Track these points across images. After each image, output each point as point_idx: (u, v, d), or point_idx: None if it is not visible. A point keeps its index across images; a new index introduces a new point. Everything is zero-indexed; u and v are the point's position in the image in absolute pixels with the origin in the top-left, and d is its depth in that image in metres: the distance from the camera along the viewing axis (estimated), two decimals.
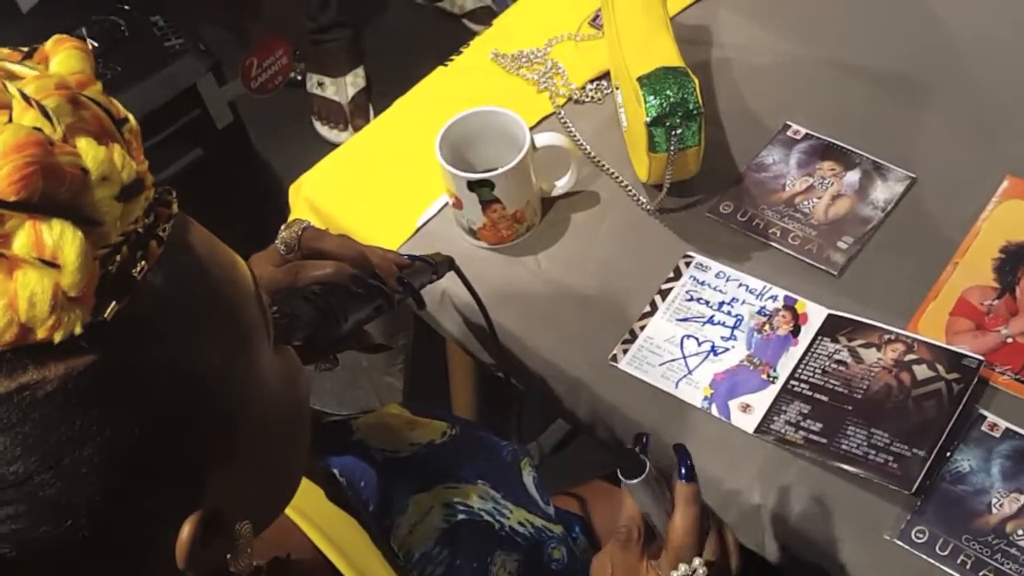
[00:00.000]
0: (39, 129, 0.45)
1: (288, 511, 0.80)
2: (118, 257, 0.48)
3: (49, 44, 0.51)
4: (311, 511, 0.81)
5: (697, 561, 0.78)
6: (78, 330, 0.46)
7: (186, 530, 0.53)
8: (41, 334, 0.45)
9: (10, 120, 0.46)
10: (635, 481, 0.77)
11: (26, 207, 0.44)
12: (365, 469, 0.88)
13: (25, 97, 0.46)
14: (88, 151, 0.47)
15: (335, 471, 0.87)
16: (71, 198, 0.45)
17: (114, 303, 0.47)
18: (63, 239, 0.44)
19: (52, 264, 0.44)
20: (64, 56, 0.51)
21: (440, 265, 0.99)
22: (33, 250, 0.44)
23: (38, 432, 0.46)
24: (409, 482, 0.89)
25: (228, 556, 0.57)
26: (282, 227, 0.90)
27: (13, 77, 0.48)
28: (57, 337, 0.45)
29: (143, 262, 0.49)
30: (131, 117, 0.52)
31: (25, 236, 0.44)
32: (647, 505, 0.79)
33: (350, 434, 0.92)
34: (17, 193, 0.43)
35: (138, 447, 0.49)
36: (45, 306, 0.44)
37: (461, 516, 0.87)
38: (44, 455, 0.46)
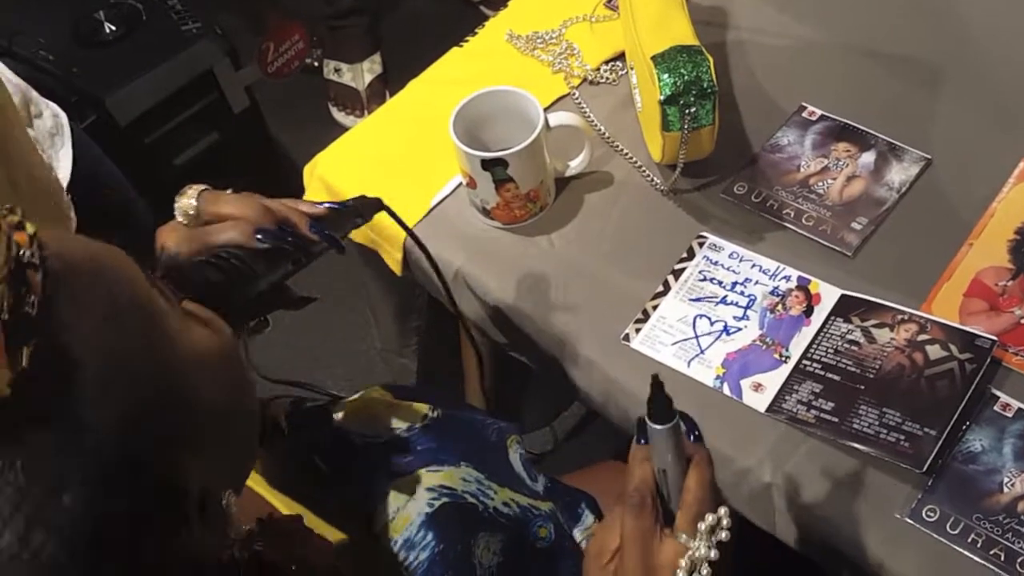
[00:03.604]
0: None
1: (273, 500, 0.80)
2: (5, 304, 0.45)
3: None
4: (297, 498, 0.81)
5: (722, 510, 0.74)
6: (7, 391, 0.44)
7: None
8: None
9: None
10: (665, 427, 0.74)
11: None
12: (345, 455, 0.87)
13: None
14: None
15: (315, 458, 0.87)
16: None
17: (26, 348, 0.45)
18: None
19: None
20: None
21: (366, 207, 0.96)
22: None
23: (16, 499, 0.45)
24: (390, 467, 0.87)
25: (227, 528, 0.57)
26: (176, 196, 0.86)
27: None
28: None
29: (31, 297, 0.47)
30: None
31: None
32: (667, 459, 0.75)
33: (330, 420, 0.91)
34: None
35: (112, 469, 0.48)
36: None
37: (444, 499, 0.85)
38: (28, 519, 0.45)
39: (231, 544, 0.59)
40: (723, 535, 0.73)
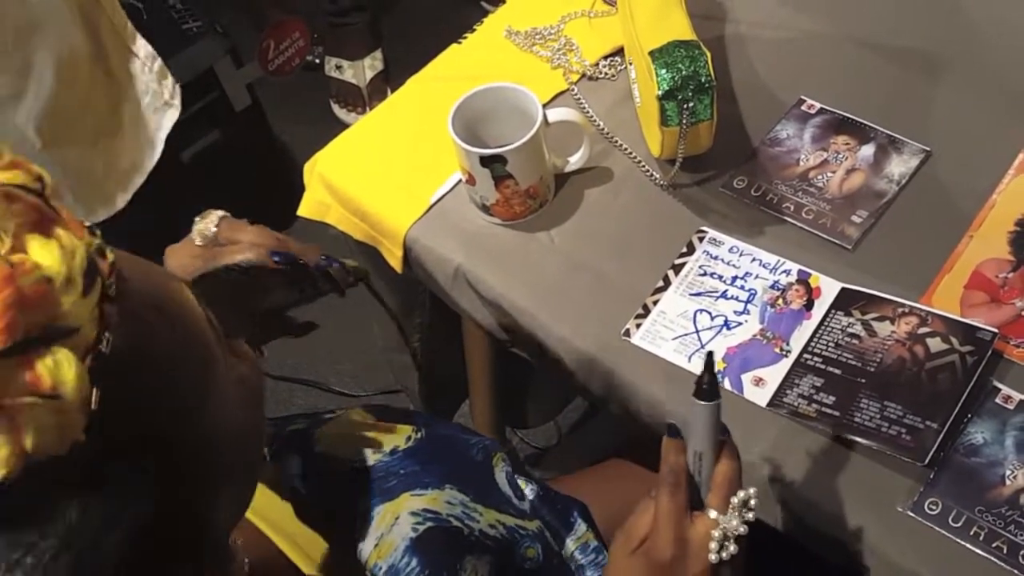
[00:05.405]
0: None
1: (261, 524, 0.80)
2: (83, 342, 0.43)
3: None
4: (282, 524, 0.80)
5: (752, 489, 0.79)
6: (82, 437, 0.43)
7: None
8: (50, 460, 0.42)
9: None
10: (710, 404, 0.78)
11: (11, 351, 0.40)
12: (328, 482, 0.87)
13: None
14: (44, 256, 0.42)
15: (298, 486, 0.86)
16: (46, 320, 0.41)
17: (95, 391, 0.43)
18: (59, 370, 0.41)
19: (53, 396, 0.41)
20: None
21: (358, 274, 1.00)
22: (31, 392, 0.40)
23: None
24: (374, 492, 0.87)
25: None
26: (196, 218, 0.89)
27: None
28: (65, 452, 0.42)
29: (106, 333, 0.44)
30: (44, 173, 0.46)
31: (19, 381, 0.40)
32: (706, 437, 0.79)
33: (313, 446, 0.90)
34: (4, 343, 0.40)
35: (153, 515, 0.48)
36: (53, 440, 0.41)
37: (429, 523, 0.84)
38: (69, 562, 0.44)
39: None
40: (750, 515, 0.77)
